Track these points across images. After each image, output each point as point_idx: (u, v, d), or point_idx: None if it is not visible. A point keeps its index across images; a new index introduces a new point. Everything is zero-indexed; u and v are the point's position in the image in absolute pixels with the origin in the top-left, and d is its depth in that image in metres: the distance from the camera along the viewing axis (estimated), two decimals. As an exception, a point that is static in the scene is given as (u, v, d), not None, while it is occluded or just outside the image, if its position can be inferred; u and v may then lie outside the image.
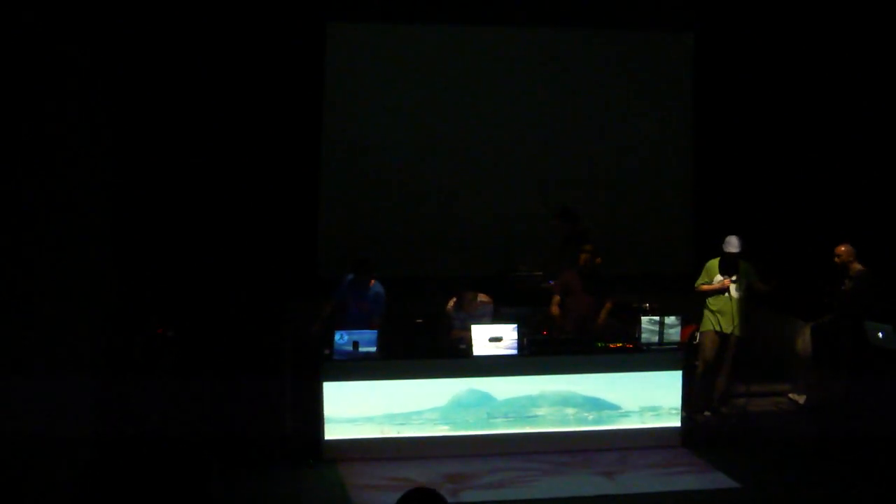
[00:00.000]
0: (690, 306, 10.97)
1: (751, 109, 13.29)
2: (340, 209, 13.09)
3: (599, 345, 10.16)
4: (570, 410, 9.88)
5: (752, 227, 11.90)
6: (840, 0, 12.55)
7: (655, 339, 10.04)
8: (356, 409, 9.50)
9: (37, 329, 6.04)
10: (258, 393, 9.76)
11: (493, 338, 9.73)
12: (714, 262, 10.86)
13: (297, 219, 12.63)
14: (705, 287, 10.88)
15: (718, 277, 10.78)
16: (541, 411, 9.81)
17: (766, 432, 10.50)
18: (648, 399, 9.99)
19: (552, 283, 11.33)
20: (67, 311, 6.16)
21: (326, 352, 9.50)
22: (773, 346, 11.96)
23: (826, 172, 12.71)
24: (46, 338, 6.03)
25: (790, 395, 11.64)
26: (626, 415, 9.95)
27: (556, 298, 10.80)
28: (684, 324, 10.46)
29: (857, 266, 10.93)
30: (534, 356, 9.88)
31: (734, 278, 10.69)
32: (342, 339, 9.47)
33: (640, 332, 10.04)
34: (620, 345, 10.14)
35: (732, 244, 10.70)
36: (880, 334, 10.17)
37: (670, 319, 10.09)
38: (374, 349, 9.52)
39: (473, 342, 9.71)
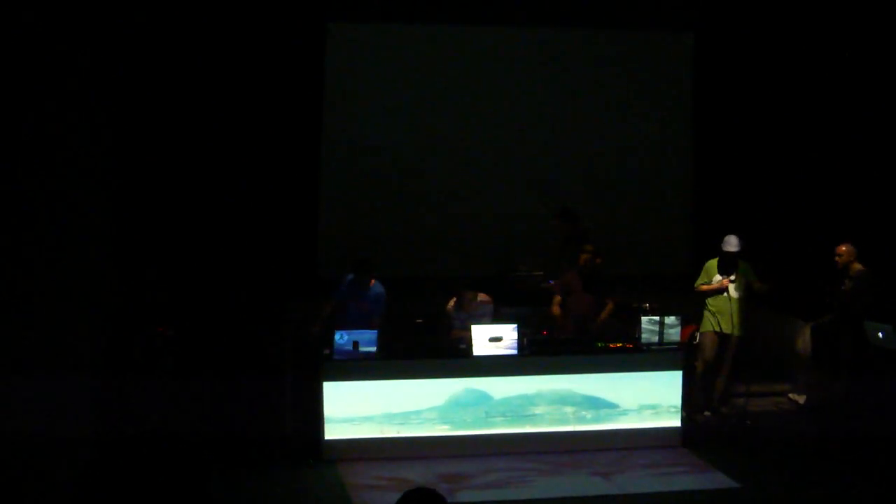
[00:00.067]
0: (690, 306, 10.97)
1: (751, 109, 13.30)
2: (340, 209, 13.10)
3: (599, 345, 10.16)
4: (569, 410, 9.88)
5: (752, 227, 11.90)
6: (840, 0, 12.55)
7: (655, 339, 10.04)
8: (356, 409, 9.50)
9: (37, 329, 6.04)
10: (258, 393, 9.77)
11: (493, 338, 9.73)
12: (713, 263, 10.86)
13: (297, 219, 12.64)
14: (704, 287, 10.88)
15: (717, 277, 10.78)
16: (539, 410, 9.81)
17: (766, 432, 10.50)
18: (648, 399, 9.99)
19: (552, 283, 11.33)
20: (67, 311, 6.17)
21: (326, 352, 9.50)
22: (773, 346, 11.96)
23: (826, 172, 12.72)
24: (46, 338, 6.04)
25: (790, 395, 11.64)
26: (626, 415, 9.95)
27: (557, 298, 10.81)
28: (684, 324, 10.46)
29: (858, 266, 10.94)
30: (534, 356, 9.88)
31: (733, 278, 10.68)
32: (342, 339, 9.47)
33: (640, 332, 10.04)
34: (620, 345, 10.14)
35: (731, 243, 10.70)
36: (880, 334, 10.18)
37: (670, 319, 10.09)
38: (374, 349, 9.52)
39: (473, 342, 9.71)
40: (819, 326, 11.36)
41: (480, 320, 10.11)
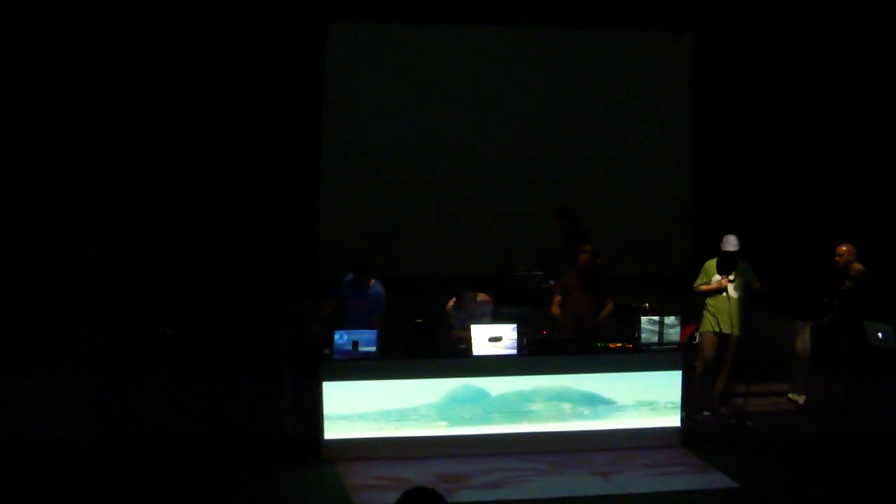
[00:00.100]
0: (690, 306, 10.97)
1: (750, 109, 13.30)
2: (340, 209, 13.10)
3: (599, 345, 10.17)
4: (568, 407, 9.88)
5: (751, 227, 11.90)
6: (840, 0, 12.55)
7: (655, 339, 10.05)
8: (356, 408, 9.51)
9: (37, 329, 6.03)
10: (258, 393, 9.77)
11: (492, 337, 9.73)
12: (712, 263, 10.87)
13: (297, 219, 12.63)
14: (703, 287, 10.89)
15: (716, 277, 10.78)
16: (538, 407, 9.80)
17: (766, 432, 10.50)
18: (648, 399, 9.99)
19: (552, 283, 11.34)
20: (67, 311, 6.16)
21: (326, 351, 9.51)
22: (772, 346, 11.96)
23: (826, 172, 12.72)
24: (46, 338, 6.03)
25: (790, 395, 11.64)
26: (626, 415, 9.96)
27: (557, 298, 10.81)
28: (684, 324, 10.47)
29: (858, 266, 10.94)
30: (533, 356, 9.88)
31: (731, 278, 10.69)
32: (342, 338, 9.47)
33: (639, 332, 10.05)
34: (620, 345, 10.15)
35: (730, 243, 10.70)
36: (880, 334, 10.18)
37: (670, 319, 10.09)
38: (373, 349, 9.53)
39: (473, 342, 9.71)
40: (819, 326, 11.36)
41: (480, 320, 10.12)
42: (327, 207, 13.05)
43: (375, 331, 9.64)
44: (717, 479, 9.26)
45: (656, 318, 10.13)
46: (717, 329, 10.80)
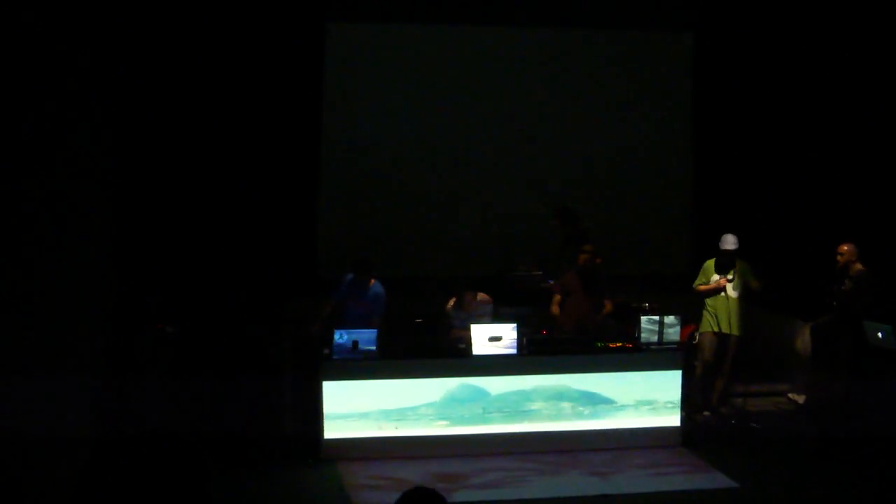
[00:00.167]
0: (690, 306, 10.97)
1: (750, 109, 13.29)
2: (340, 209, 13.10)
3: (599, 344, 10.17)
4: (567, 407, 9.88)
5: (751, 226, 11.90)
6: (840, 0, 12.55)
7: (655, 338, 10.05)
8: (355, 408, 9.51)
9: (37, 329, 6.04)
10: (258, 393, 9.77)
11: (492, 337, 9.74)
12: (711, 263, 10.87)
13: (296, 218, 12.64)
14: (702, 287, 10.89)
15: (715, 277, 10.79)
16: (537, 406, 9.81)
17: (765, 432, 10.50)
18: (648, 399, 9.99)
19: (552, 283, 11.34)
20: (67, 311, 6.16)
21: (326, 351, 9.51)
22: (772, 346, 11.97)
23: (826, 172, 12.71)
24: (46, 338, 6.03)
25: (790, 395, 11.64)
26: (626, 415, 9.96)
27: (557, 298, 10.81)
28: (684, 324, 10.47)
29: (858, 266, 10.94)
30: (533, 356, 9.88)
31: (730, 277, 10.69)
32: (342, 338, 9.47)
33: (639, 332, 10.05)
34: (620, 344, 10.15)
35: (728, 242, 10.71)
36: (880, 334, 10.18)
37: (670, 319, 10.10)
38: (373, 349, 9.53)
39: (473, 342, 9.72)
40: (819, 326, 11.36)
41: (480, 320, 10.12)
42: (327, 207, 13.05)
43: (375, 330, 9.64)
44: (717, 479, 9.26)
45: (656, 317, 10.13)
46: (716, 329, 10.80)
